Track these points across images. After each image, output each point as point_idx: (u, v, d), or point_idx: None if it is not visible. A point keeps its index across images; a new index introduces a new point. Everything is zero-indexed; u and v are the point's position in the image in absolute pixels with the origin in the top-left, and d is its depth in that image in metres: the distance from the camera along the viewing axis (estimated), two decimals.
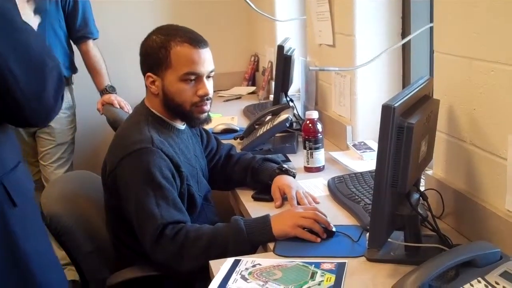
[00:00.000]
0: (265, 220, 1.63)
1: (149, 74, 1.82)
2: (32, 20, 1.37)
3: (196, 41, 1.81)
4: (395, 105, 1.24)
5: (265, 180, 1.96)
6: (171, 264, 1.63)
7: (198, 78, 1.81)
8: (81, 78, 3.30)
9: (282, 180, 1.92)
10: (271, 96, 3.28)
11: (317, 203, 1.84)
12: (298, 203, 1.81)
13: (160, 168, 1.69)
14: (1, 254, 1.25)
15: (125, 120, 1.95)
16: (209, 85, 1.83)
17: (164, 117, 1.85)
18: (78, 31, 3.13)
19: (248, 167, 2.04)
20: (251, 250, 1.60)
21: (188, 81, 1.79)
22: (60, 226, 1.78)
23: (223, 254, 1.55)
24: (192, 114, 1.84)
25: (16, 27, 1.24)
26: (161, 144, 1.73)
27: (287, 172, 1.97)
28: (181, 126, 1.91)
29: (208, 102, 1.85)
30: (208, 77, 1.84)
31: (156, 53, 1.79)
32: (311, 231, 1.57)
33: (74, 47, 3.22)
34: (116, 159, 1.74)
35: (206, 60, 1.81)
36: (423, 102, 1.43)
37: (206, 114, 1.87)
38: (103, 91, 3.18)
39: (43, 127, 1.57)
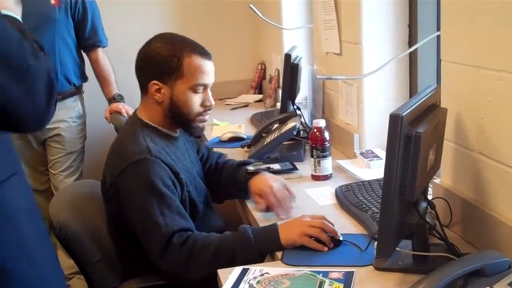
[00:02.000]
0: (273, 229, 1.63)
1: (155, 82, 1.81)
2: (13, 9, 1.33)
3: (205, 53, 1.85)
4: (403, 114, 1.24)
5: (244, 189, 2.00)
6: (179, 272, 1.63)
7: (205, 89, 1.84)
8: (90, 86, 3.32)
9: (256, 185, 1.95)
10: (278, 104, 3.29)
11: (292, 197, 1.89)
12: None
13: (160, 177, 1.70)
14: None
15: (120, 132, 1.95)
16: (211, 95, 1.88)
17: (159, 126, 1.86)
18: (87, 39, 3.15)
19: (230, 179, 2.07)
20: (259, 258, 1.60)
21: (197, 92, 1.81)
22: (69, 235, 1.79)
23: (231, 262, 1.56)
24: (194, 123, 1.87)
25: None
26: (158, 153, 1.74)
27: (253, 173, 2.00)
28: (175, 133, 1.92)
29: (209, 112, 1.90)
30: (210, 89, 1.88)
31: (168, 61, 1.79)
32: (318, 240, 1.58)
33: (84, 56, 3.24)
34: (116, 171, 1.74)
35: (212, 72, 1.86)
36: (431, 111, 1.44)
37: (204, 123, 1.91)
38: (111, 99, 3.20)
39: (37, 131, 1.55)
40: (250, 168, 2.04)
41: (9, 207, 1.27)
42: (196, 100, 1.82)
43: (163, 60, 1.80)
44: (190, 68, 1.80)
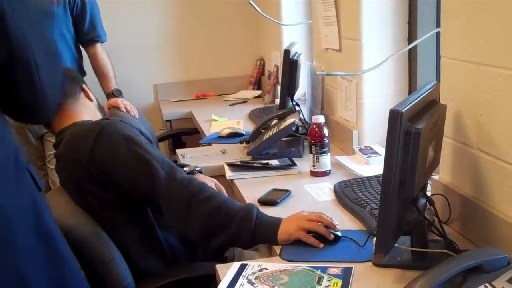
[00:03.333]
0: (276, 221, 1.62)
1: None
2: None
3: None
4: (403, 110, 1.24)
5: None
6: (178, 210, 1.64)
7: None
8: (88, 81, 3.30)
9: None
10: (277, 100, 3.29)
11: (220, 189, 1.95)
12: None
13: (131, 131, 1.74)
14: (32, 230, 1.30)
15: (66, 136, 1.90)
16: None
17: None
18: (86, 34, 3.14)
19: None
20: (250, 240, 1.60)
21: None
22: (77, 239, 1.71)
23: (224, 227, 1.58)
24: None
25: (39, 19, 1.31)
26: (119, 118, 1.80)
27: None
28: None
29: None
30: None
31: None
32: (317, 236, 1.57)
33: (83, 51, 3.24)
34: (87, 147, 1.71)
35: None
36: (431, 107, 1.43)
37: None
38: (110, 94, 3.19)
39: (44, 122, 1.62)
40: (185, 169, 2.08)
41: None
42: None
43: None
44: None
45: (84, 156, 1.71)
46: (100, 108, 2.04)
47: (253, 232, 1.59)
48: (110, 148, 1.71)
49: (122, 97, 3.20)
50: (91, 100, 1.98)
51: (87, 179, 1.74)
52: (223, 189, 2.01)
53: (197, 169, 2.18)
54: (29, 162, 1.35)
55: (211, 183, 1.98)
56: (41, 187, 1.34)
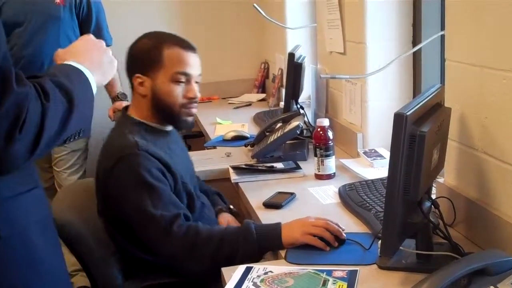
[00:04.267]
0: (276, 227, 1.64)
1: (137, 75, 1.84)
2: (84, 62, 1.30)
3: (188, 45, 1.86)
4: (407, 113, 1.24)
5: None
6: (181, 262, 1.65)
7: (188, 80, 1.84)
8: None
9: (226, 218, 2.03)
10: (281, 103, 3.29)
11: None
12: None
13: (148, 169, 1.71)
14: None
15: (110, 132, 1.94)
16: (197, 88, 1.87)
17: (151, 122, 1.87)
18: None
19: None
20: (258, 255, 1.61)
21: (179, 82, 1.82)
22: (72, 234, 1.78)
23: (232, 256, 1.58)
24: (180, 116, 1.86)
25: None
26: (146, 147, 1.75)
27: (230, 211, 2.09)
28: (168, 128, 1.93)
29: (195, 105, 1.88)
30: (196, 82, 1.87)
31: (148, 54, 1.82)
32: (322, 240, 1.58)
33: None
34: (104, 171, 1.75)
35: (196, 64, 1.86)
36: (435, 110, 1.44)
37: (192, 117, 1.90)
38: (115, 98, 3.20)
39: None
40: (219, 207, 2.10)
41: (25, 218, 1.23)
42: (177, 91, 1.82)
43: (143, 53, 1.84)
44: (170, 58, 1.81)
45: (106, 170, 1.75)
46: None
47: (258, 246, 1.61)
48: (120, 181, 1.72)
49: (127, 100, 3.21)
50: None
51: (100, 186, 1.79)
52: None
53: (232, 208, 2.15)
54: (9, 199, 1.19)
55: (233, 223, 2.00)
56: (1, 234, 1.16)
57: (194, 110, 1.88)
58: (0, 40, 1.10)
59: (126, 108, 1.93)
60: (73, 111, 1.18)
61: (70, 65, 1.28)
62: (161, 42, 1.83)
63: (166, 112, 1.85)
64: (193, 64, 1.85)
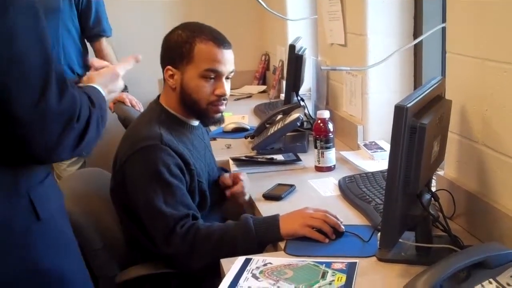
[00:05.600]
0: (274, 219, 1.64)
1: (169, 67, 1.83)
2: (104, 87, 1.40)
3: (221, 40, 1.83)
4: (408, 105, 1.24)
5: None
6: (182, 261, 1.65)
7: (218, 77, 1.82)
8: None
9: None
10: (282, 95, 3.29)
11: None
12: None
13: (167, 165, 1.70)
14: (19, 267, 1.20)
15: (138, 117, 1.96)
16: (227, 85, 1.85)
17: (179, 114, 1.86)
18: (91, 29, 3.15)
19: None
20: (259, 248, 1.61)
21: (208, 79, 1.80)
22: (71, 223, 1.78)
23: (232, 252, 1.57)
24: (207, 113, 1.85)
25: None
26: (169, 141, 1.74)
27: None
28: (195, 122, 1.92)
29: (224, 102, 1.86)
30: (227, 78, 1.85)
31: (180, 47, 1.80)
32: (320, 231, 1.58)
33: (88, 45, 3.24)
34: (124, 156, 1.75)
35: (228, 61, 1.83)
36: (436, 102, 1.43)
37: (220, 114, 1.88)
38: None
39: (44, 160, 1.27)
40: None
41: (48, 206, 1.26)
42: (206, 87, 1.81)
43: (176, 46, 1.81)
44: (201, 54, 1.79)
45: (126, 155, 1.75)
46: None
47: (258, 241, 1.61)
48: (136, 171, 1.72)
49: (127, 91, 3.21)
50: None
51: (117, 168, 1.79)
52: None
53: None
54: (40, 183, 1.25)
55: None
56: (40, 216, 1.22)
57: (222, 108, 1.86)
58: (51, 47, 1.18)
59: (159, 95, 1.93)
60: (103, 124, 1.30)
61: (96, 88, 1.38)
62: (194, 36, 1.80)
63: (193, 108, 1.84)
64: (225, 60, 1.82)
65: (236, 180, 1.98)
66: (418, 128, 1.25)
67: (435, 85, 1.46)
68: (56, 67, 1.16)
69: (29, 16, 1.12)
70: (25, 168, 1.19)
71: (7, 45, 1.07)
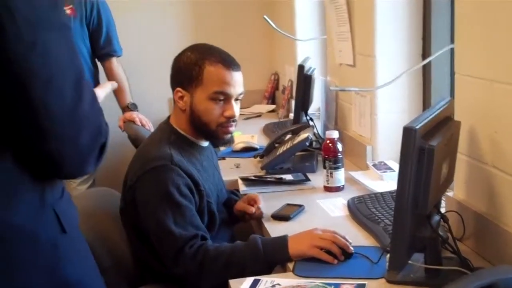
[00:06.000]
0: (282, 240, 1.63)
1: (178, 89, 1.85)
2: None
3: (230, 63, 1.84)
4: (417, 127, 1.24)
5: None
6: (191, 281, 1.65)
7: (227, 99, 1.83)
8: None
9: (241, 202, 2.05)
10: (291, 115, 3.29)
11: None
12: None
13: (178, 186, 1.71)
14: (48, 280, 1.20)
15: (148, 137, 1.98)
16: (236, 107, 1.86)
17: (188, 134, 1.87)
18: (102, 48, 3.18)
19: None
20: (267, 269, 1.61)
21: (217, 101, 1.82)
22: None
23: (241, 272, 1.57)
24: (217, 134, 1.86)
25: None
26: (179, 162, 1.75)
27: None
28: (205, 143, 1.93)
29: (234, 123, 1.88)
30: (237, 99, 1.86)
31: (189, 69, 1.82)
32: (329, 252, 1.57)
33: (99, 65, 3.27)
34: (135, 176, 1.76)
35: (237, 83, 1.84)
36: (445, 123, 1.43)
37: (230, 135, 1.89)
38: (125, 108, 3.22)
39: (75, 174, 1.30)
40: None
41: (70, 220, 1.27)
42: (215, 109, 1.82)
43: (186, 68, 1.83)
44: (210, 76, 1.81)
45: (136, 175, 1.76)
46: None
47: (266, 262, 1.61)
48: (146, 191, 1.74)
49: (138, 111, 3.23)
50: None
51: (127, 188, 1.80)
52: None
53: None
54: (60, 198, 1.25)
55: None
56: (65, 229, 1.22)
57: (231, 129, 1.88)
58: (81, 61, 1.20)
59: (169, 116, 1.95)
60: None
61: None
62: (204, 58, 1.82)
63: (202, 129, 1.85)
64: (234, 82, 1.83)
65: (251, 202, 2.00)
66: (426, 149, 1.26)
67: (444, 106, 1.46)
68: (87, 79, 1.19)
69: (62, 32, 1.14)
70: (49, 182, 1.21)
71: (45, 64, 1.09)
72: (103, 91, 1.46)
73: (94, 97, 1.20)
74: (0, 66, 1.05)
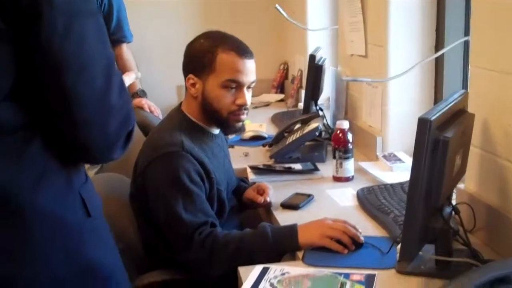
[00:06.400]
0: (292, 229, 1.63)
1: (191, 76, 1.85)
2: None
3: (243, 50, 1.84)
4: (432, 118, 1.23)
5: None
6: (199, 268, 1.65)
7: (239, 87, 1.83)
8: None
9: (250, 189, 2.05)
10: (300, 104, 3.29)
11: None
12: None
13: (188, 172, 1.71)
14: (73, 262, 1.21)
15: (159, 123, 1.98)
16: (248, 95, 1.86)
17: (200, 122, 1.87)
18: (112, 34, 3.17)
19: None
20: (276, 257, 1.61)
21: (229, 89, 1.82)
22: None
23: (250, 259, 1.57)
24: (228, 122, 1.86)
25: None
26: (191, 149, 1.75)
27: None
28: (216, 131, 1.92)
29: (245, 111, 1.87)
30: (249, 87, 1.86)
31: (202, 56, 1.82)
32: (339, 242, 1.57)
33: None
34: (145, 161, 1.77)
35: (250, 71, 1.84)
36: (459, 116, 1.43)
37: (241, 123, 1.89)
38: (134, 95, 3.22)
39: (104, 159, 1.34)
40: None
41: (94, 204, 1.27)
42: (227, 97, 1.82)
43: (198, 55, 1.83)
44: (222, 64, 1.80)
45: (147, 161, 1.76)
46: None
47: (275, 249, 1.61)
48: (157, 177, 1.74)
49: (146, 97, 3.23)
50: None
51: (138, 173, 1.80)
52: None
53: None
54: (85, 183, 1.26)
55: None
56: (90, 213, 1.23)
57: (243, 117, 1.88)
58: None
59: (181, 102, 1.95)
60: None
61: None
62: (216, 46, 1.82)
63: (214, 117, 1.85)
64: (246, 71, 1.83)
65: (260, 191, 2.00)
66: (441, 141, 1.25)
67: (458, 99, 1.46)
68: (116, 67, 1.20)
69: (94, 20, 1.14)
70: (74, 167, 1.22)
71: (78, 53, 1.10)
72: (128, 80, 1.48)
73: (122, 85, 1.20)
74: (34, 53, 1.05)
